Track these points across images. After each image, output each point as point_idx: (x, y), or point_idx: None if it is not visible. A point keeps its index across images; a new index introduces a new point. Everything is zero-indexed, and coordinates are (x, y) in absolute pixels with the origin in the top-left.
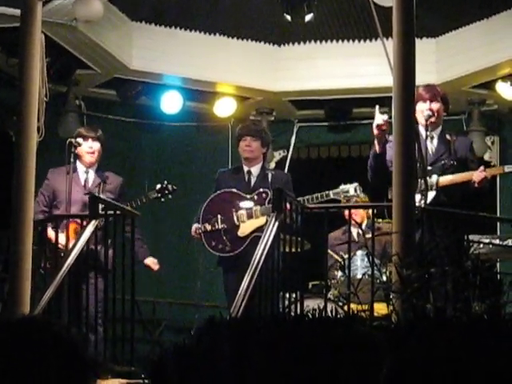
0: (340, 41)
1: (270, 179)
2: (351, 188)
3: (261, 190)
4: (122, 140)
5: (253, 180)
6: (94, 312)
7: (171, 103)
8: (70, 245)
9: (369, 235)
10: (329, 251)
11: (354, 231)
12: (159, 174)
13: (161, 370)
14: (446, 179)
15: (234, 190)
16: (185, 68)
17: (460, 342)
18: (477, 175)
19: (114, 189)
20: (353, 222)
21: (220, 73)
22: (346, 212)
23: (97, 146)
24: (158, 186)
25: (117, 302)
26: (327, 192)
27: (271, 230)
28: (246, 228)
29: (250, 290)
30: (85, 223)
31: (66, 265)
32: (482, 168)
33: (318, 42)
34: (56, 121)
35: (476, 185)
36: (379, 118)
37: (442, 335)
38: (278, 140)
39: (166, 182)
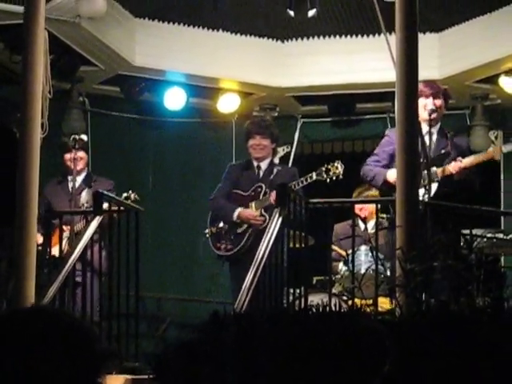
0: (343, 36)
1: (273, 174)
2: (332, 167)
3: (256, 184)
4: (125, 136)
5: (261, 175)
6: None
7: (175, 99)
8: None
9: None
10: (332, 246)
11: (362, 226)
12: (163, 170)
13: (165, 365)
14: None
15: (234, 191)
16: (188, 64)
17: (463, 335)
18: (453, 166)
19: None
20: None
21: (223, 69)
22: (356, 205)
23: (81, 154)
24: (124, 195)
25: (121, 297)
26: (310, 174)
27: (275, 226)
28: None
29: (253, 286)
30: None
31: (70, 261)
32: (459, 158)
33: (321, 37)
34: (60, 117)
35: (455, 177)
36: None
37: (446, 329)
38: (282, 136)
39: (130, 191)
